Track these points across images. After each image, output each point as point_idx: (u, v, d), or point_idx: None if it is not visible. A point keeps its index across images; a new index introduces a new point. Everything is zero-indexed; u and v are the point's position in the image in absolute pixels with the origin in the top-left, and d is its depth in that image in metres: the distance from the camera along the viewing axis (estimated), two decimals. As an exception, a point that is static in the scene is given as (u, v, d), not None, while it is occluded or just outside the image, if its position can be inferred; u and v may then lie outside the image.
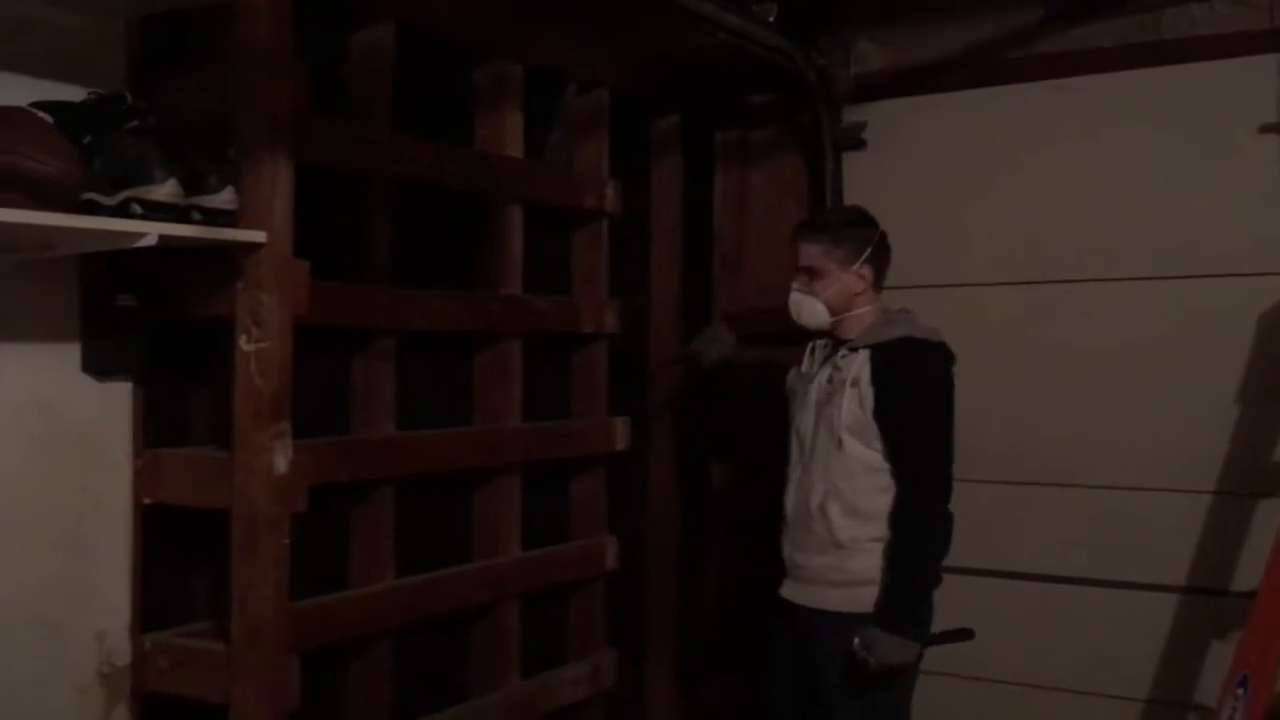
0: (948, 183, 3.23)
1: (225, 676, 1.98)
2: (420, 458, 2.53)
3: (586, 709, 3.06)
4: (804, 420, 2.64)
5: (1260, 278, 2.83)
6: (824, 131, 3.31)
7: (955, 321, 3.22)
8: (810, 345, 2.75)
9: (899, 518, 2.50)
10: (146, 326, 2.01)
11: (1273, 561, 2.43)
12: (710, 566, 3.49)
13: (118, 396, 2.00)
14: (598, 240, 3.08)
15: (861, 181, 3.32)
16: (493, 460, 2.73)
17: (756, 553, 2.84)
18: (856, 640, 2.46)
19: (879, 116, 3.32)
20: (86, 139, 1.74)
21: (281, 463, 1.95)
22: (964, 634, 2.60)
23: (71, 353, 1.93)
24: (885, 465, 2.51)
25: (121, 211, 1.71)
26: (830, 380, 2.60)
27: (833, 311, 2.60)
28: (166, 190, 1.73)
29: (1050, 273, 3.10)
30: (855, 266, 2.59)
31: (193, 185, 1.79)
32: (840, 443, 2.52)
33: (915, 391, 2.52)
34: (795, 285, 2.63)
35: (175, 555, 2.13)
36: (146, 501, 2.03)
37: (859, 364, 2.54)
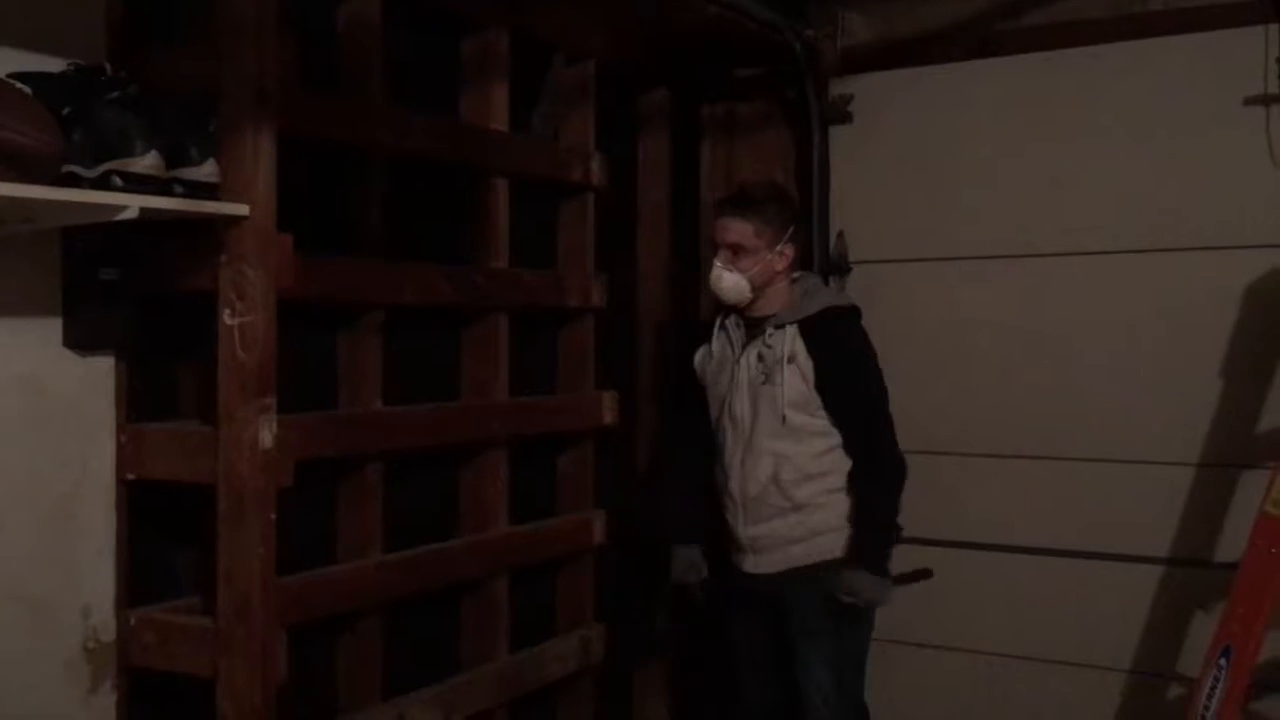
0: (934, 156, 3.22)
1: (212, 651, 1.97)
2: (407, 432, 2.52)
3: (575, 682, 3.07)
4: (738, 403, 2.67)
5: (1246, 250, 2.84)
6: (810, 105, 3.30)
7: (942, 295, 3.24)
8: (718, 324, 2.75)
9: (861, 471, 2.64)
10: (129, 300, 2.00)
11: (1255, 533, 2.45)
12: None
13: (101, 371, 1.99)
14: (584, 214, 3.07)
15: (848, 155, 3.33)
16: (480, 435, 2.72)
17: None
18: (843, 584, 2.57)
19: (866, 89, 3.32)
20: (66, 110, 1.72)
21: (267, 437, 1.94)
22: (925, 574, 2.83)
23: (54, 327, 1.92)
24: (829, 429, 2.62)
25: (102, 184, 1.70)
26: (762, 359, 2.63)
27: (754, 288, 2.64)
28: (148, 162, 1.72)
29: (1037, 246, 3.11)
30: (780, 245, 2.64)
31: (175, 157, 1.78)
32: (784, 418, 2.60)
33: (852, 356, 2.65)
34: (718, 260, 2.65)
35: (161, 530, 2.12)
36: (130, 477, 2.02)
37: (789, 340, 2.60)
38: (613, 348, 3.22)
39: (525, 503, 2.87)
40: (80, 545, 1.96)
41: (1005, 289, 3.14)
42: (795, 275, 2.72)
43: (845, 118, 3.33)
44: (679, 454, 2.92)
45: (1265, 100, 2.82)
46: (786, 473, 2.63)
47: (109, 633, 2.01)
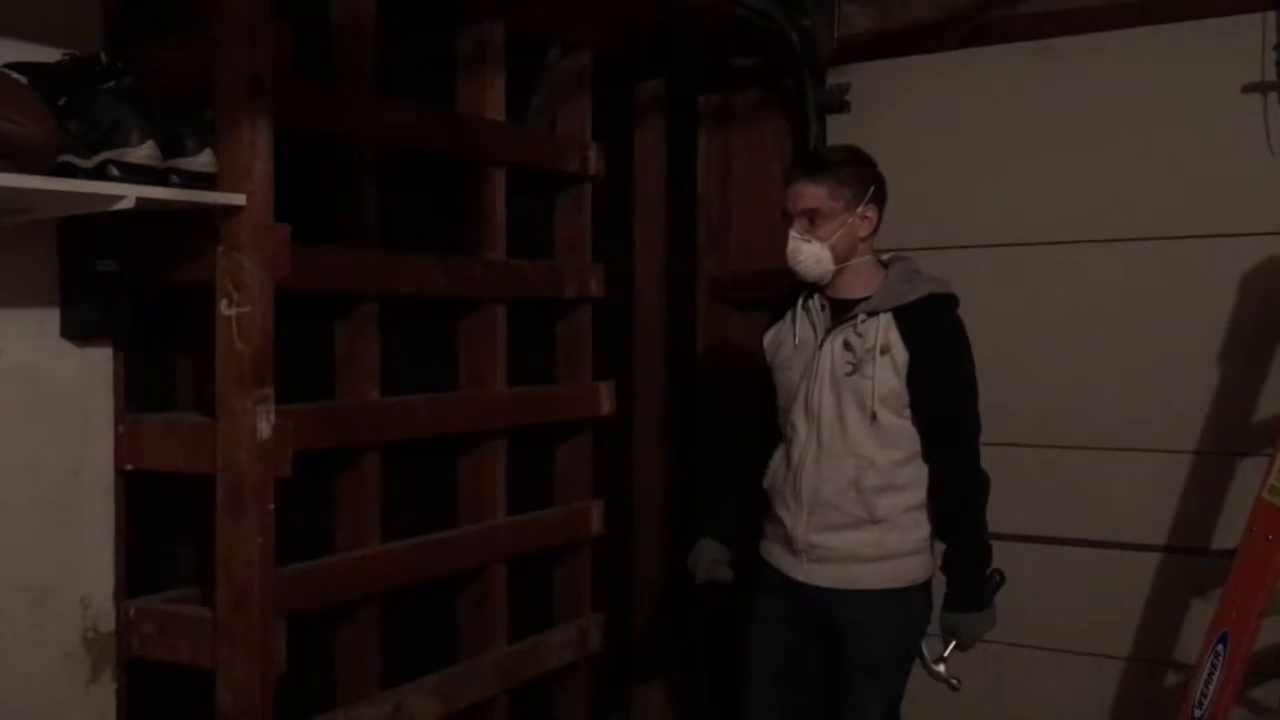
0: (932, 145, 3.22)
1: (211, 641, 1.98)
2: (405, 423, 2.52)
3: (573, 672, 3.08)
4: (816, 394, 2.36)
5: (1244, 238, 2.84)
6: (807, 94, 3.29)
7: (939, 284, 3.23)
8: (800, 305, 2.43)
9: (950, 486, 2.37)
10: (127, 291, 1.99)
11: (1253, 520, 2.45)
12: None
13: (98, 362, 1.99)
14: (581, 204, 3.07)
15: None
16: (478, 425, 2.72)
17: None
18: (943, 629, 2.38)
19: (863, 79, 3.31)
20: (62, 100, 1.71)
21: (265, 427, 1.94)
22: (1001, 578, 2.45)
23: (51, 318, 1.92)
24: (913, 432, 2.35)
25: (98, 174, 1.69)
26: (849, 347, 2.33)
27: (836, 259, 2.34)
28: (144, 152, 1.71)
29: (1035, 234, 3.10)
30: (860, 208, 2.34)
31: (171, 148, 1.77)
32: (874, 416, 2.31)
33: (955, 356, 2.36)
34: (794, 231, 2.33)
35: (159, 521, 2.12)
36: (128, 467, 2.02)
37: (882, 328, 2.31)
38: (609, 338, 3.22)
39: (523, 493, 2.88)
40: (79, 536, 1.97)
41: (1001, 277, 3.13)
42: (886, 256, 2.44)
43: (842, 107, 3.32)
44: (719, 445, 2.64)
45: (1263, 88, 2.82)
46: (869, 479, 2.32)
47: (108, 623, 2.01)
